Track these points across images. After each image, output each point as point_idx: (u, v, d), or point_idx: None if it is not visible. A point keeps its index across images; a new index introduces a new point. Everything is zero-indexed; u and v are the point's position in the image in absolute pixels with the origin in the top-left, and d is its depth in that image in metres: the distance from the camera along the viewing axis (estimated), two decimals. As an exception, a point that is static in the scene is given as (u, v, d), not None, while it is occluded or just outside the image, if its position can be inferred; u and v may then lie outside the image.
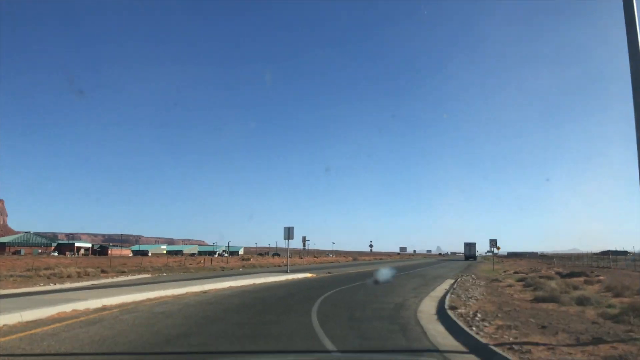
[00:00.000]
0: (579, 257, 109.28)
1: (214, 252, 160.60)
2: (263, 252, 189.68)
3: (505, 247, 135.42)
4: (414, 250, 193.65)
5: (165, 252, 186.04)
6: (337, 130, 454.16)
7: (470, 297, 15.76)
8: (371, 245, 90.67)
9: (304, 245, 65.78)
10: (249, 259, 77.71)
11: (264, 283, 22.38)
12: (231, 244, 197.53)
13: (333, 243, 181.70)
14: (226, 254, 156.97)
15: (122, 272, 37.32)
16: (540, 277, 28.65)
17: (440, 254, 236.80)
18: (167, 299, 14.92)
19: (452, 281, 26.50)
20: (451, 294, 16.82)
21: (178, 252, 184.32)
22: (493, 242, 48.70)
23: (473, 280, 25.77)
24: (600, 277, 28.91)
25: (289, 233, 29.98)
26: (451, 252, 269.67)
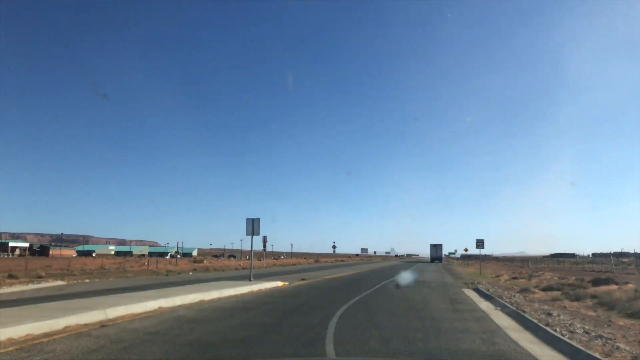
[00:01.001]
0: (538, 260, 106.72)
1: (166, 254, 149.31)
2: (218, 254, 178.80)
3: (459, 250, 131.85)
4: (375, 252, 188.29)
5: (113, 252, 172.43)
6: (298, 130, 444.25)
7: (597, 337, 8.47)
8: (334, 247, 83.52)
9: (264, 246, 57.73)
10: (202, 261, 68.65)
11: (218, 300, 14.34)
12: (186, 245, 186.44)
13: (291, 244, 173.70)
14: (178, 256, 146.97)
15: (38, 277, 28.41)
16: (571, 285, 22.32)
17: (396, 255, 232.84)
18: (9, 345, 6.81)
19: (472, 292, 19.46)
20: (547, 326, 9.54)
21: (127, 253, 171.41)
22: (480, 243, 42.27)
23: (508, 294, 18.66)
24: (630, 285, 23.05)
25: (253, 226, 22.04)
26: (407, 254, 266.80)
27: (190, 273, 37.93)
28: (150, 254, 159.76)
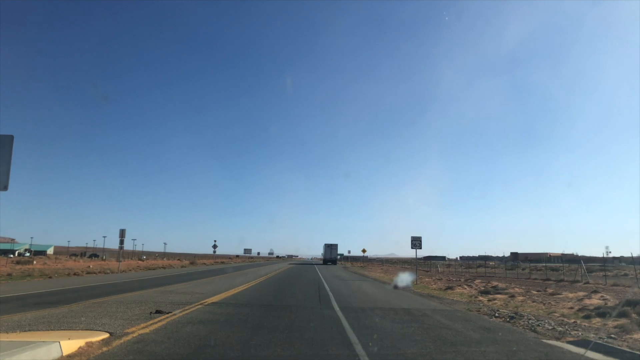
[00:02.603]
0: (413, 262, 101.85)
1: (13, 252, 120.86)
2: (78, 253, 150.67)
3: (355, 251, 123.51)
4: (258, 252, 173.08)
5: None
6: (187, 122, 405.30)
7: None
8: (215, 247, 68.29)
9: (121, 242, 41.28)
10: (30, 262, 49.33)
11: None
12: (47, 242, 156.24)
13: (165, 244, 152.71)
14: (27, 254, 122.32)
15: None
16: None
17: (277, 256, 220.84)
18: None
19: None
20: None
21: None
22: (416, 242, 30.81)
23: None
24: None
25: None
26: (287, 255, 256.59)
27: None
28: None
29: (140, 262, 65.42)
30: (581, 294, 20.80)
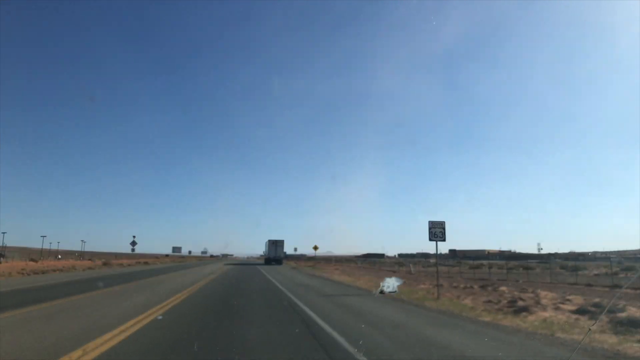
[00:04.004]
0: (352, 259, 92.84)
1: None
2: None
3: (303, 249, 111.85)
4: (189, 251, 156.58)
5: None
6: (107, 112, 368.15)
7: None
8: (134, 243, 54.32)
9: None
10: None
11: None
12: None
13: (83, 242, 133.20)
14: None
15: None
16: None
17: (211, 256, 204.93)
18: None
19: None
20: None
21: None
22: (437, 229, 19.95)
23: None
24: None
25: None
26: (222, 254, 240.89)
27: None
28: None
29: (31, 262, 49.81)
30: None
